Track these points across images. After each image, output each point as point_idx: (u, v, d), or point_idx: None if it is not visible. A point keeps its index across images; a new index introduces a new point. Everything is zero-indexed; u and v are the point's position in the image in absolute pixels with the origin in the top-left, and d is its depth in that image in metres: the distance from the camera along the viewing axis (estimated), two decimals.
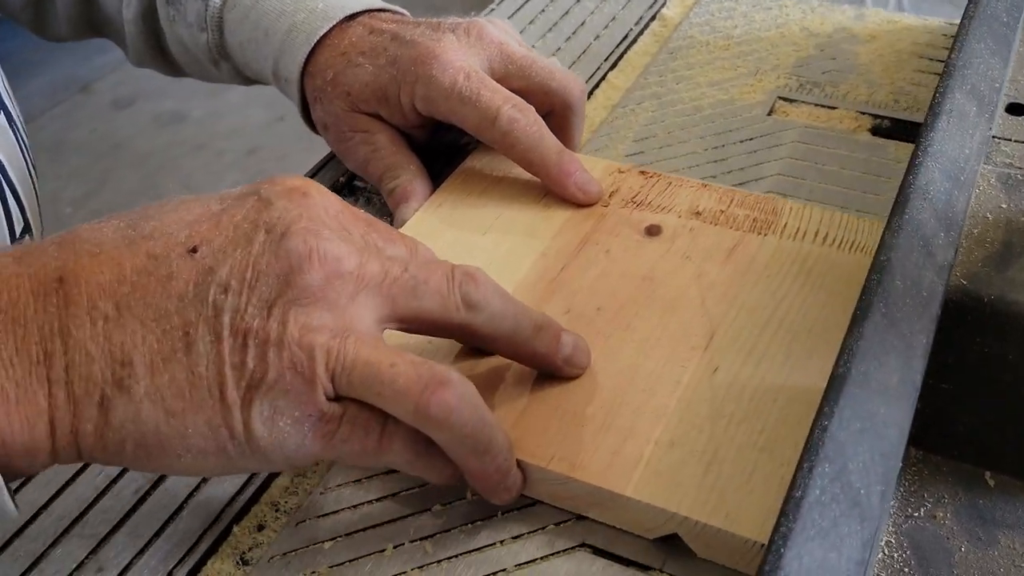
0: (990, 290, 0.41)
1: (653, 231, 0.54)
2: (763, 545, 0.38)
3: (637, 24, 0.79)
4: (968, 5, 0.55)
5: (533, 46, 0.77)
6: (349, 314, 0.39)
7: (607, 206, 0.57)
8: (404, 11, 0.63)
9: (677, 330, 0.48)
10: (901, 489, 0.42)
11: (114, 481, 0.46)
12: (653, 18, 0.80)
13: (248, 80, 0.68)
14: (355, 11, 0.61)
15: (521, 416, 0.44)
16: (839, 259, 0.52)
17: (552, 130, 0.57)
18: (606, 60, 0.75)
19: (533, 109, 0.56)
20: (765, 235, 0.54)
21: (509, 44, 0.59)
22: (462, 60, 0.56)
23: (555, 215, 0.56)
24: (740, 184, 0.61)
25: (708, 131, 0.66)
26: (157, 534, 0.44)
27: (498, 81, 0.57)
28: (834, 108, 0.68)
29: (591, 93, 0.71)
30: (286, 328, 0.37)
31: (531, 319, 0.45)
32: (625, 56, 0.75)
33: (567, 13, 0.81)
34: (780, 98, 0.69)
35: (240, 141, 2.49)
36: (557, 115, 0.59)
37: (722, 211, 0.56)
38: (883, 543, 0.40)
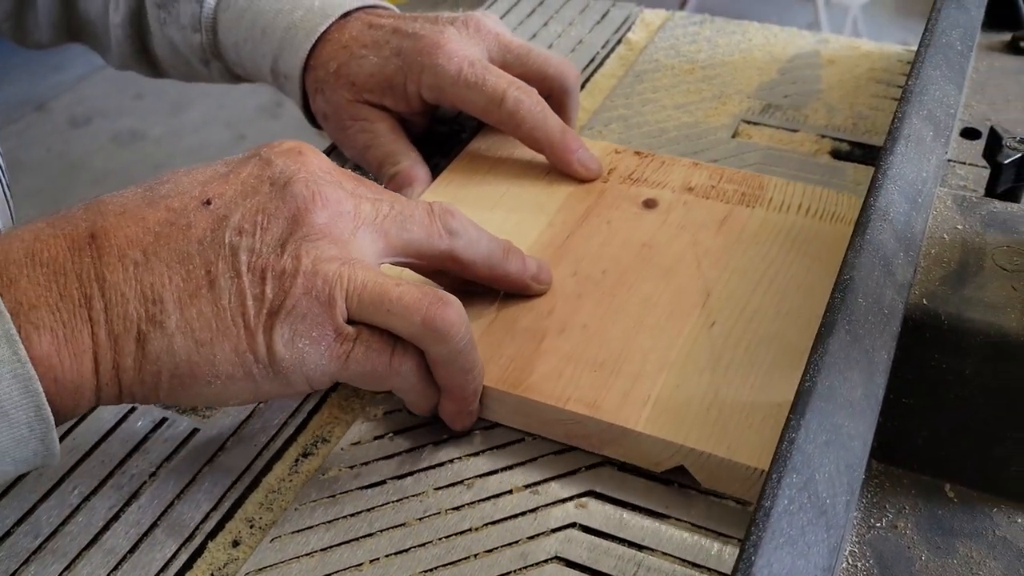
0: (947, 308, 0.42)
1: (650, 204, 0.59)
2: (763, 472, 0.42)
3: (603, 48, 0.81)
4: (924, 33, 0.57)
5: None
6: (352, 247, 0.44)
7: (606, 182, 0.61)
8: (395, 7, 0.67)
9: (676, 290, 0.53)
10: (864, 500, 0.43)
11: (86, 499, 0.46)
12: (619, 42, 0.81)
13: (237, 79, 0.71)
14: (352, 8, 0.64)
15: (538, 364, 0.49)
16: (821, 229, 0.57)
17: None
18: None
19: (536, 91, 0.60)
20: (753, 207, 0.59)
21: (505, 35, 0.63)
22: (465, 50, 0.60)
23: (558, 191, 0.61)
24: None
25: (674, 152, 0.67)
26: (132, 550, 0.44)
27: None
28: (796, 131, 0.70)
29: None
30: (300, 261, 0.42)
31: (501, 244, 0.51)
32: (592, 79, 0.77)
33: (534, 36, 0.83)
34: (744, 121, 0.71)
35: (200, 160, 2.47)
36: (555, 99, 0.63)
37: (713, 186, 0.60)
38: (847, 552, 0.41)
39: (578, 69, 0.66)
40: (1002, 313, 0.42)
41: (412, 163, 0.61)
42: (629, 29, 0.83)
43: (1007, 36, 0.73)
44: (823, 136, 0.69)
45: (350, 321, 0.43)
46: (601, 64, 0.79)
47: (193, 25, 0.68)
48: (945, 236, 0.46)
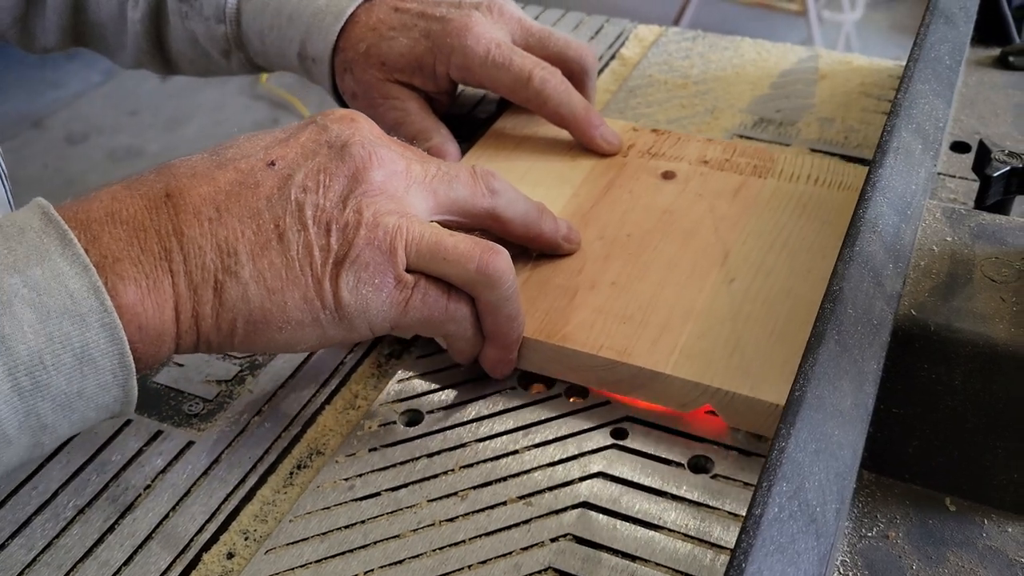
0: (936, 319, 0.43)
1: (668, 175, 0.63)
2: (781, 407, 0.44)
3: (597, 62, 0.81)
4: (913, 48, 0.57)
5: None
6: (407, 203, 0.47)
7: (626, 156, 0.65)
8: None
9: (696, 251, 0.57)
10: (855, 510, 0.44)
11: (81, 511, 0.46)
12: (613, 57, 0.82)
13: (258, 68, 0.73)
14: None
15: (572, 316, 0.52)
16: (829, 196, 0.61)
17: None
18: None
19: (559, 71, 0.64)
20: (765, 178, 0.62)
21: (526, 19, 0.67)
22: (491, 32, 0.63)
23: (582, 164, 0.65)
24: None
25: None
26: (127, 563, 0.44)
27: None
28: (788, 145, 0.70)
29: None
30: (362, 215, 0.45)
31: (536, 205, 0.55)
32: None
33: None
34: (737, 135, 0.71)
35: None
36: (576, 79, 0.66)
37: (727, 159, 0.64)
38: (838, 562, 0.41)
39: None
40: (990, 323, 0.42)
41: (443, 139, 0.65)
42: (623, 45, 0.84)
43: (996, 51, 0.73)
44: (815, 150, 0.70)
45: (408, 270, 0.46)
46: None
47: (217, 16, 0.70)
48: (934, 248, 0.46)
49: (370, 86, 0.66)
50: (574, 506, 0.46)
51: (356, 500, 0.47)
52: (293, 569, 0.43)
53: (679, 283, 0.54)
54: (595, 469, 0.48)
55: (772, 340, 0.50)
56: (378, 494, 0.47)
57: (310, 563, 0.44)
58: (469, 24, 0.63)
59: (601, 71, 0.80)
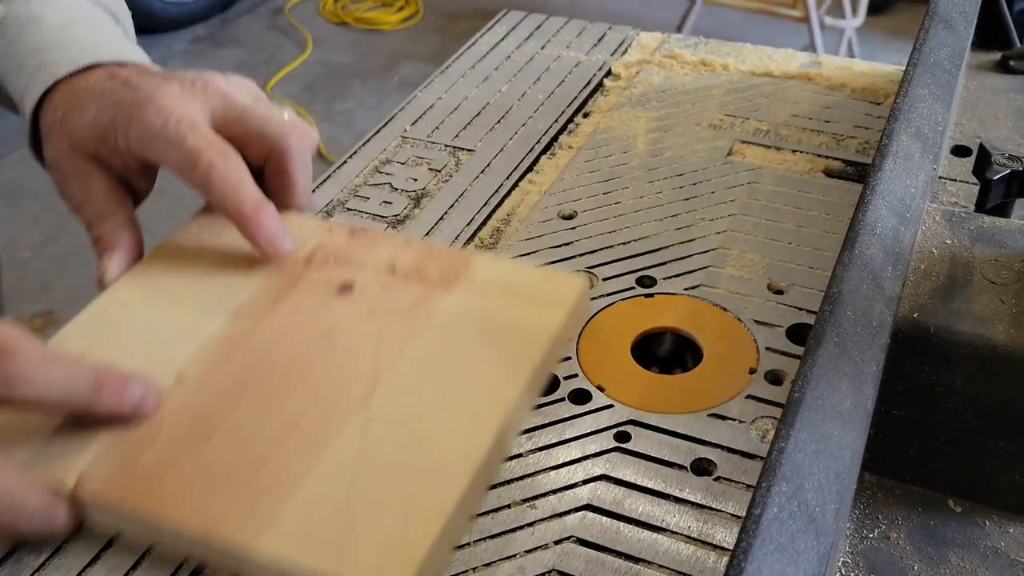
0: (936, 321, 0.43)
1: (345, 288, 0.53)
2: None
3: (600, 70, 0.82)
4: (912, 53, 0.58)
5: (499, 90, 0.79)
6: None
7: (309, 265, 0.55)
8: (157, 67, 0.62)
9: (341, 387, 0.47)
10: (856, 511, 0.44)
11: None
12: (615, 64, 0.83)
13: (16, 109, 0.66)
14: (107, 60, 0.60)
15: (168, 476, 0.44)
16: (521, 315, 0.50)
17: (270, 177, 0.57)
18: (569, 106, 0.77)
19: (239, 156, 0.55)
20: (453, 291, 0.52)
21: (234, 94, 0.58)
22: (178, 106, 0.56)
23: (254, 277, 0.55)
24: (700, 222, 0.64)
25: (671, 172, 0.68)
26: (138, 564, 0.44)
27: (218, 130, 0.56)
28: (791, 151, 0.70)
29: (558, 136, 0.74)
30: None
31: (87, 376, 0.45)
32: (588, 101, 0.78)
33: (531, 59, 0.84)
34: (738, 141, 0.72)
35: None
36: (273, 161, 0.57)
37: (417, 267, 0.54)
38: (840, 563, 0.42)
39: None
40: (990, 325, 0.43)
41: (117, 227, 0.57)
42: (625, 51, 0.85)
43: (997, 55, 0.74)
44: (818, 155, 0.70)
45: None
46: (599, 86, 0.80)
47: None
48: (934, 250, 0.47)
49: (61, 158, 0.58)
50: (577, 509, 0.46)
51: None
52: None
53: (307, 430, 0.45)
54: (598, 472, 0.48)
55: (388, 509, 0.41)
56: None
57: None
58: (155, 96, 0.56)
59: (604, 78, 0.81)
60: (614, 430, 0.50)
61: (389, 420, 0.45)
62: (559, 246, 0.63)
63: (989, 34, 0.74)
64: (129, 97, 0.56)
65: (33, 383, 0.44)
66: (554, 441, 0.50)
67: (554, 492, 0.47)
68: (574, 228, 0.64)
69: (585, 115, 0.76)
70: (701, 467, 0.48)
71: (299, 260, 0.55)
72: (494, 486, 0.47)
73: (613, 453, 0.49)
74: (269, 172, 0.57)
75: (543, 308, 0.50)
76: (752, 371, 0.52)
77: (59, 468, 0.45)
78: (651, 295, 0.59)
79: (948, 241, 0.47)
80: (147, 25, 3.07)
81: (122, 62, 0.61)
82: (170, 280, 0.55)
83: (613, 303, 0.58)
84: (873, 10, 3.02)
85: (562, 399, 0.52)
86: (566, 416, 0.51)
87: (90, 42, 0.61)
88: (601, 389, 0.52)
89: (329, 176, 0.70)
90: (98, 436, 0.46)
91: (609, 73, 0.81)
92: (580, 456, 0.49)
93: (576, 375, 0.53)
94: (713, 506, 0.46)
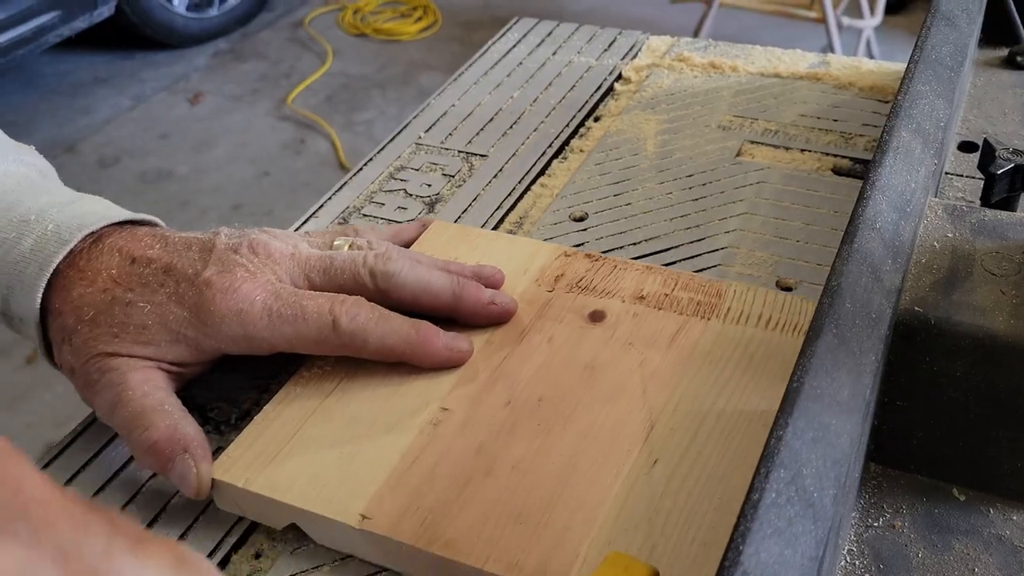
0: (937, 312, 0.44)
1: (597, 317, 0.54)
2: None
3: (611, 74, 0.83)
4: (914, 50, 0.58)
5: (511, 96, 0.81)
6: None
7: (552, 291, 0.55)
8: (152, 218, 0.56)
9: (617, 421, 0.47)
10: (862, 501, 0.45)
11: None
12: (626, 68, 0.84)
13: None
14: (95, 228, 0.52)
15: (458, 514, 0.44)
16: (781, 343, 0.51)
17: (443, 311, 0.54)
18: (580, 110, 0.78)
19: (362, 299, 0.51)
20: (708, 319, 0.53)
21: (301, 252, 0.53)
22: (261, 284, 0.50)
23: None
24: (710, 222, 0.64)
25: (681, 173, 0.69)
26: None
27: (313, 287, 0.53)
28: (799, 150, 0.71)
29: (569, 139, 0.75)
30: None
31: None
32: (599, 105, 0.79)
33: (543, 66, 0.85)
34: (747, 141, 0.73)
35: (224, 197, 2.52)
36: (379, 293, 0.53)
37: (666, 295, 0.54)
38: (845, 551, 0.43)
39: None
40: (991, 316, 0.43)
41: (174, 423, 0.48)
42: (636, 56, 0.86)
43: (1004, 51, 0.74)
44: (826, 154, 0.71)
45: None
46: (610, 90, 0.81)
47: None
48: (935, 244, 0.47)
49: (91, 359, 0.49)
50: None
51: None
52: (319, 567, 0.45)
53: (591, 467, 0.45)
54: None
55: (693, 549, 0.41)
56: None
57: (336, 560, 0.45)
58: (232, 284, 0.50)
59: (615, 82, 0.82)
60: None
61: (673, 456, 0.45)
62: (571, 248, 0.64)
63: (996, 30, 0.75)
64: (193, 294, 0.50)
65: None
66: None
67: None
68: (586, 230, 0.65)
69: (596, 119, 0.77)
70: None
71: (531, 281, 0.56)
72: None
73: None
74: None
75: (798, 333, 0.51)
76: None
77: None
78: None
79: (949, 234, 0.48)
80: (169, 41, 3.12)
81: (112, 225, 0.53)
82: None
83: None
84: (891, 9, 3.01)
85: None
86: None
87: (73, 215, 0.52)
88: None
89: (345, 183, 0.71)
90: (375, 475, 0.46)
91: (619, 77, 0.83)
92: None
93: None
94: None
